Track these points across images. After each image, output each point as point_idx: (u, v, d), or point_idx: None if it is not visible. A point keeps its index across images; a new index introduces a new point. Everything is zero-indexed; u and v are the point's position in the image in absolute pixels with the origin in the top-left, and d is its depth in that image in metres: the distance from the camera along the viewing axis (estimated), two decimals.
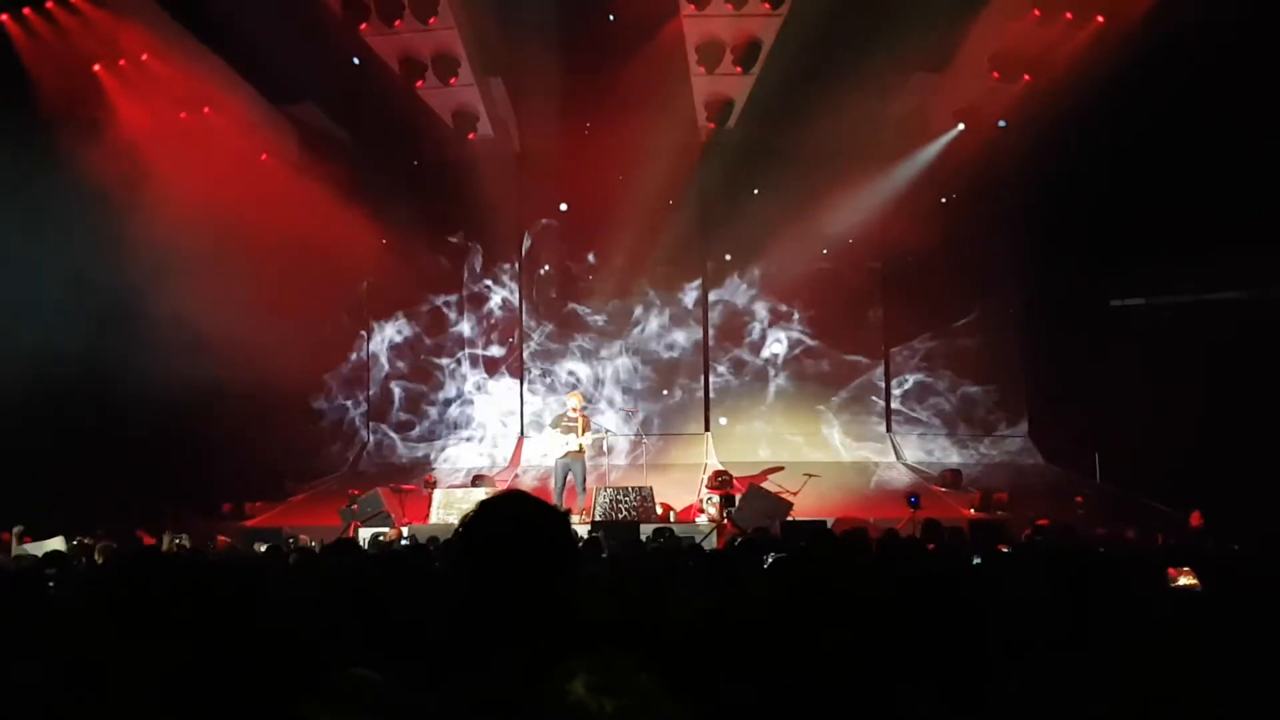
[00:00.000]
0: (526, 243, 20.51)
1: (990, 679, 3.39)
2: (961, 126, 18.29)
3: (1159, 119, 15.17)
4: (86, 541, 12.34)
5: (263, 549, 11.29)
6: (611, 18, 17.12)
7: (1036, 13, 15.72)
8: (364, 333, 20.86)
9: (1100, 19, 15.60)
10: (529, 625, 2.02)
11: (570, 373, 20.03)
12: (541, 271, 20.54)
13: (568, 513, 2.28)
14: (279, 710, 2.03)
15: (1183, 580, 5.61)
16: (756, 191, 19.38)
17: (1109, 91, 14.97)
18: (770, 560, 7.02)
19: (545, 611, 2.05)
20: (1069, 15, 15.73)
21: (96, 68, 15.99)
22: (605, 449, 17.36)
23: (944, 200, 18.63)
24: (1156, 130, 15.29)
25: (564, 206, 20.13)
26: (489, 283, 20.59)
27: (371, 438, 20.70)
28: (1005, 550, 8.70)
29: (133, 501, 14.46)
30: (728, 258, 20.09)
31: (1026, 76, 16.86)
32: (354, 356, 20.88)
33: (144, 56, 16.00)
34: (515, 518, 2.22)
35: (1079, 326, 18.04)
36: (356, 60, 17.09)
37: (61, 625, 3.75)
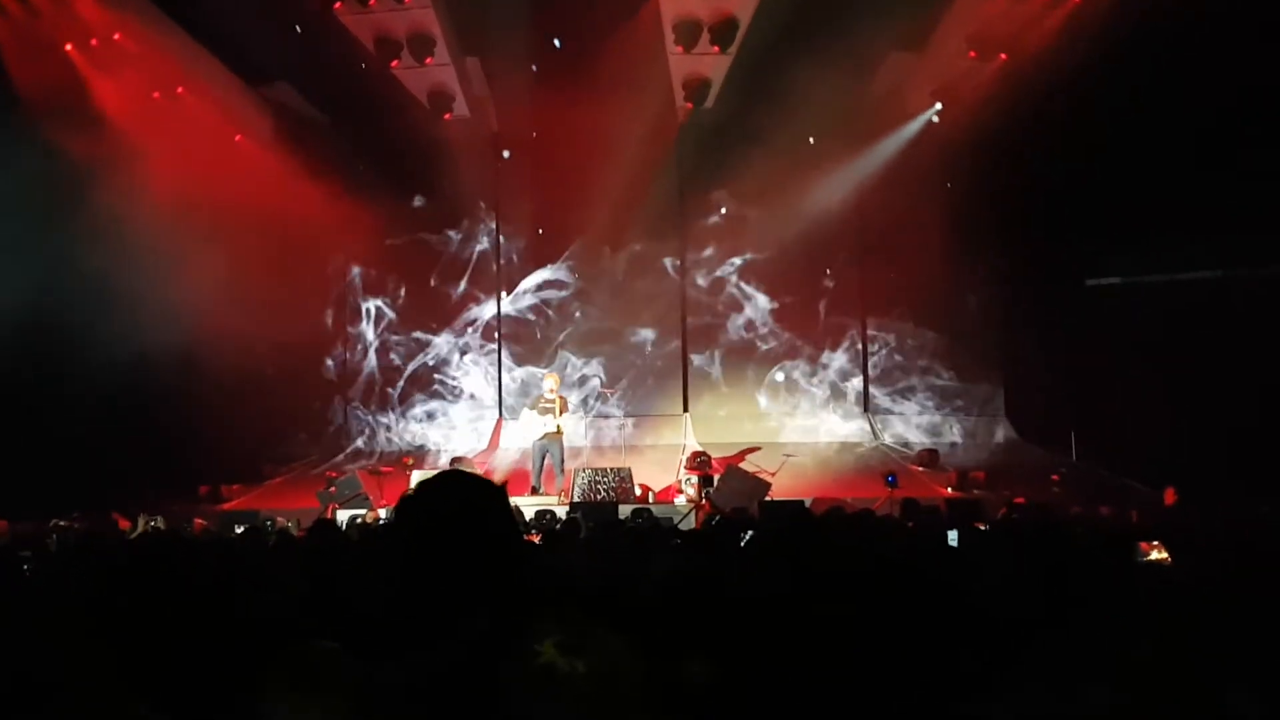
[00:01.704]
0: (503, 223, 20.48)
1: (965, 659, 3.41)
2: (939, 106, 18.35)
3: (1135, 97, 15.19)
4: (62, 524, 12.32)
5: (240, 530, 11.28)
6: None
7: None
8: (342, 313, 20.79)
9: None
10: (484, 594, 2.02)
11: (551, 360, 20.00)
12: (518, 252, 20.51)
13: (504, 486, 2.28)
14: (242, 684, 2.03)
15: (1154, 555, 5.66)
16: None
17: (1085, 70, 14.98)
18: (747, 538, 7.05)
19: (495, 583, 2.05)
20: None
21: (68, 47, 15.81)
22: (583, 431, 17.33)
23: (921, 181, 18.61)
24: (1132, 109, 15.32)
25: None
26: (467, 263, 20.54)
27: (350, 419, 20.65)
28: (982, 528, 8.76)
29: (108, 484, 14.37)
30: (712, 218, 20.04)
31: (1003, 55, 16.85)
32: (334, 338, 20.82)
33: (116, 36, 15.82)
34: (449, 494, 2.22)
35: (1055, 306, 18.10)
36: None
37: (35, 607, 3.73)
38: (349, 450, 19.95)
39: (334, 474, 16.40)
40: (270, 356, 18.39)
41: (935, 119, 18.52)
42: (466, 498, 2.21)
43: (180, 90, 16.98)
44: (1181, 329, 15.69)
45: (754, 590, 3.40)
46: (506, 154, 20.15)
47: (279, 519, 13.82)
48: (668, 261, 20.20)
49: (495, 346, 20.48)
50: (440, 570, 2.09)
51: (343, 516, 14.17)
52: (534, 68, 18.18)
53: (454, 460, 18.19)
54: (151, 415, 16.15)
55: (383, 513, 14.23)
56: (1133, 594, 4.65)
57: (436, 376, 20.60)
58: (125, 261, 14.94)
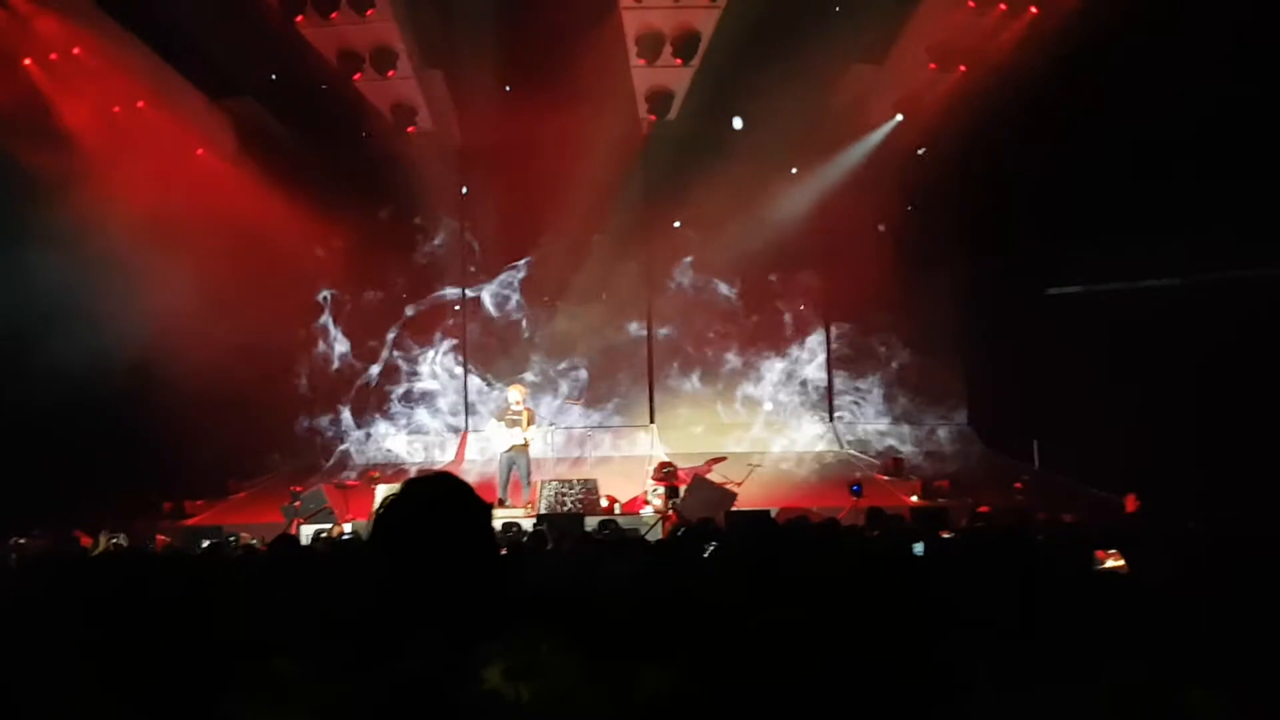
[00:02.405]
0: (469, 236, 20.47)
1: (929, 666, 3.43)
2: (900, 117, 18.48)
3: (1093, 107, 15.35)
4: (22, 542, 12.20)
5: (205, 545, 11.21)
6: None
7: (971, 4, 15.85)
8: (307, 326, 20.68)
9: (1034, 10, 15.77)
10: (449, 607, 2.02)
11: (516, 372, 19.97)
12: (483, 264, 20.51)
13: (489, 506, 2.28)
14: (201, 704, 2.02)
15: (1110, 563, 5.72)
16: (678, 224, 19.63)
17: (1044, 81, 15.14)
18: (711, 549, 7.06)
19: (465, 593, 2.05)
20: (1003, 6, 15.88)
21: (27, 62, 15.69)
22: (548, 440, 17.29)
23: (883, 191, 18.74)
24: (1091, 118, 15.48)
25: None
26: (432, 276, 20.52)
27: (316, 433, 20.53)
28: (947, 536, 8.82)
29: (70, 501, 14.24)
30: (676, 225, 20.09)
31: (962, 67, 17.01)
32: (300, 352, 20.71)
33: (75, 50, 15.72)
34: (433, 500, 2.22)
35: (1017, 315, 18.22)
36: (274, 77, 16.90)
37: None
38: (315, 464, 19.84)
39: (299, 488, 16.27)
40: (236, 371, 18.23)
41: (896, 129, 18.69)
42: (452, 506, 2.21)
43: (141, 104, 16.89)
44: (1142, 337, 15.83)
45: (714, 598, 3.42)
46: (465, 190, 20.17)
47: (243, 534, 13.72)
48: (632, 272, 20.23)
49: (461, 358, 20.45)
50: (416, 581, 2.09)
51: (307, 531, 14.09)
52: (507, 88, 18.25)
53: (420, 473, 18.07)
54: (115, 431, 15.99)
55: (348, 527, 14.16)
56: (1091, 601, 4.70)
57: (403, 389, 20.53)
58: (86, 275, 14.83)
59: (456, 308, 20.56)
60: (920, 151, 18.60)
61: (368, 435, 20.43)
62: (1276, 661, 2.93)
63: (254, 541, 12.51)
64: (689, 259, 20.14)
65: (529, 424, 15.72)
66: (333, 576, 4.38)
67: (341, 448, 20.34)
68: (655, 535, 13.11)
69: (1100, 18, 14.05)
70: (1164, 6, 13.24)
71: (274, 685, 1.99)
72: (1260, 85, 13.45)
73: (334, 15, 16.07)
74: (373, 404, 20.55)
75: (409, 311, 20.52)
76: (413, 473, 18.64)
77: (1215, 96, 13.82)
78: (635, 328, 20.33)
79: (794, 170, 19.35)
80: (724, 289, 20.19)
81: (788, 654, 2.84)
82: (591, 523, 13.90)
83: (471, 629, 1.93)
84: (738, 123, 18.97)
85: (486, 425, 16.47)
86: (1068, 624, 3.98)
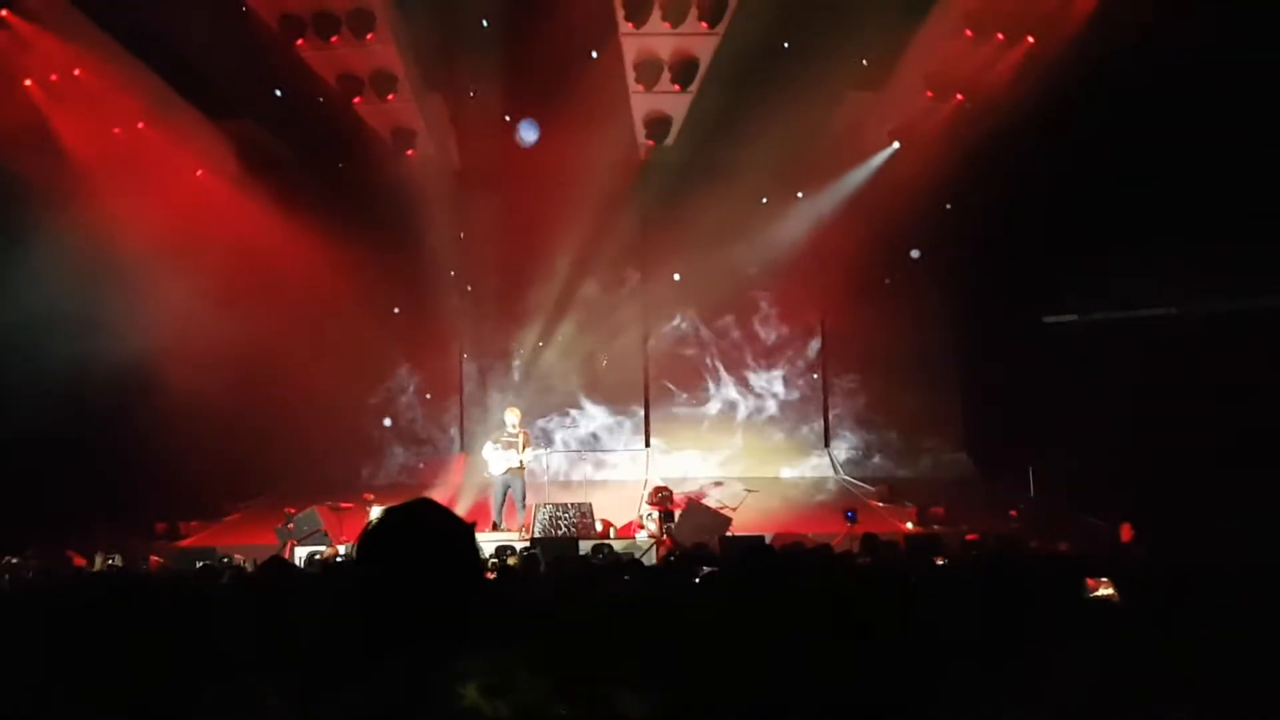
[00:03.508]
0: (466, 259, 20.48)
1: (918, 691, 3.43)
2: (897, 145, 18.53)
3: (1089, 138, 15.43)
4: (14, 561, 12.15)
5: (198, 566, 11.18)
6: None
7: (969, 33, 15.92)
8: (305, 345, 20.60)
9: (1031, 40, 15.84)
10: (428, 627, 2.03)
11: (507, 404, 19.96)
12: (480, 287, 20.54)
13: (472, 525, 2.28)
14: None
15: (1101, 591, 5.71)
16: (677, 277, 19.73)
17: (1040, 111, 15.21)
18: (703, 574, 7.06)
19: (445, 613, 2.06)
20: (1000, 36, 15.95)
21: (28, 82, 15.76)
22: (545, 464, 17.27)
23: (879, 219, 18.76)
24: (1087, 149, 15.55)
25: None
26: (428, 297, 20.49)
27: (313, 455, 20.43)
28: (941, 563, 8.80)
29: (62, 521, 14.21)
30: (676, 277, 20.15)
31: (959, 96, 17.08)
32: (299, 372, 20.62)
33: (76, 71, 15.78)
34: (418, 523, 2.23)
35: (1013, 343, 18.26)
36: (279, 92, 16.95)
37: None
38: (309, 485, 19.71)
39: (293, 509, 16.21)
40: (231, 391, 18.22)
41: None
42: (434, 531, 2.21)
43: (141, 125, 16.95)
44: (1137, 365, 15.86)
45: (698, 620, 3.42)
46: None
47: (236, 556, 13.69)
48: (629, 298, 20.26)
49: (457, 380, 20.49)
50: (396, 602, 2.09)
51: (301, 553, 14.06)
52: (506, 118, 18.33)
53: (417, 497, 18.00)
54: (109, 451, 16.00)
55: (342, 549, 14.12)
56: (1080, 627, 4.70)
57: (398, 411, 20.53)
58: (82, 293, 14.84)
59: (453, 327, 20.57)
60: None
61: (366, 456, 20.40)
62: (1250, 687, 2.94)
63: (245, 563, 12.49)
64: (685, 284, 20.13)
65: (525, 447, 15.74)
66: (313, 598, 4.38)
67: (342, 470, 20.22)
68: (650, 559, 13.10)
69: (1097, 48, 14.13)
70: (1161, 37, 13.30)
71: (240, 705, 1.99)
72: (1255, 116, 13.52)
73: (334, 39, 16.15)
74: (368, 424, 20.52)
75: (407, 329, 20.48)
76: (407, 496, 18.57)
77: (1213, 128, 13.90)
78: (631, 351, 20.35)
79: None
80: (720, 315, 20.22)
81: (768, 677, 2.84)
82: (586, 546, 13.91)
83: (450, 647, 1.93)
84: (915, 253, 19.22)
85: (483, 448, 16.41)
86: (1053, 651, 3.99)
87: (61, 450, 15.04)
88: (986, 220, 17.78)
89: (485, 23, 16.32)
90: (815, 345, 20.43)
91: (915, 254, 19.05)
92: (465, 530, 2.23)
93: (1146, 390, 15.41)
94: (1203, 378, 14.75)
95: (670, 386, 20.36)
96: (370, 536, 2.22)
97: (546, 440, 19.49)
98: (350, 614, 2.07)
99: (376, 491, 18.84)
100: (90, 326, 14.91)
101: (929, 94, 17.21)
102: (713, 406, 20.27)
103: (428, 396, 20.55)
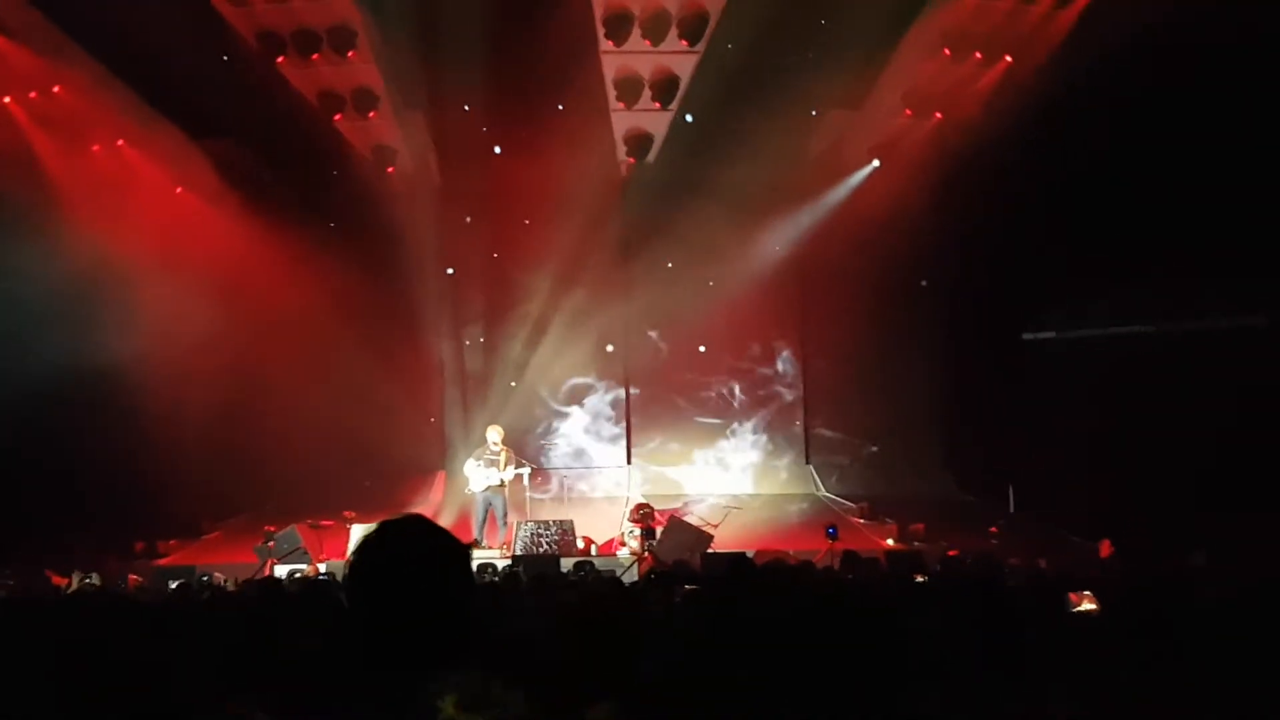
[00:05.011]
0: (448, 277, 20.42)
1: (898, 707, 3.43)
2: (876, 163, 18.60)
3: (1066, 156, 15.54)
4: None
5: (174, 586, 11.11)
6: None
7: (947, 52, 16.03)
8: (286, 363, 20.48)
9: (1008, 59, 15.97)
10: (418, 646, 2.01)
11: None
12: (461, 305, 20.49)
13: (470, 546, 2.28)
14: None
15: (1084, 605, 5.74)
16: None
17: (1018, 129, 15.32)
18: (682, 593, 7.04)
19: (437, 632, 2.04)
20: (978, 55, 16.08)
21: (7, 100, 15.71)
22: (525, 482, 17.17)
23: (859, 236, 18.83)
24: (1063, 167, 15.66)
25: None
26: (411, 315, 20.39)
27: (296, 472, 20.28)
28: (921, 580, 8.81)
29: (42, 539, 14.12)
30: (654, 272, 20.12)
31: (938, 114, 17.19)
32: (279, 390, 20.51)
33: (55, 89, 15.76)
34: (410, 542, 2.22)
35: (993, 360, 18.32)
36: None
37: None
38: (286, 503, 19.59)
39: (272, 528, 16.12)
40: (210, 409, 18.14)
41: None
42: (429, 550, 2.19)
43: (120, 143, 16.92)
44: (1116, 383, 15.95)
45: (673, 637, 3.41)
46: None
47: (216, 574, 13.60)
48: (611, 315, 20.23)
49: (439, 401, 20.42)
50: (391, 622, 2.07)
51: (281, 571, 13.97)
52: (494, 146, 18.37)
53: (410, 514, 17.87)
54: (87, 469, 15.92)
55: (322, 567, 14.04)
56: (1062, 642, 4.72)
57: (382, 427, 20.42)
58: (61, 313, 14.79)
59: (435, 345, 20.51)
60: (923, 284, 18.80)
61: (347, 475, 20.26)
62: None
63: (225, 582, 12.41)
64: (666, 301, 20.11)
65: (506, 465, 15.69)
66: (297, 617, 4.35)
67: (319, 488, 20.07)
68: (631, 576, 13.07)
69: (1075, 66, 14.26)
70: (1137, 54, 13.42)
71: None
72: (1234, 135, 13.64)
73: (315, 56, 16.15)
74: (350, 443, 20.40)
75: (389, 346, 20.36)
76: (386, 513, 18.44)
77: (1192, 148, 14.01)
78: (612, 369, 20.34)
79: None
80: (700, 331, 20.21)
81: (746, 693, 2.84)
82: (568, 564, 13.85)
83: (435, 664, 1.92)
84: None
85: (464, 465, 16.35)
86: (1033, 666, 4.00)
87: (39, 469, 14.95)
88: (966, 237, 17.85)
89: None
90: (796, 362, 20.44)
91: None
92: (461, 552, 2.21)
93: (1126, 407, 15.50)
94: (1181, 395, 14.84)
95: (651, 402, 20.34)
96: (363, 554, 2.20)
97: (528, 457, 19.42)
98: (336, 634, 2.06)
99: (356, 509, 18.76)
100: (68, 345, 14.84)
101: (908, 112, 17.32)
102: (693, 421, 20.25)
103: (408, 413, 20.42)
